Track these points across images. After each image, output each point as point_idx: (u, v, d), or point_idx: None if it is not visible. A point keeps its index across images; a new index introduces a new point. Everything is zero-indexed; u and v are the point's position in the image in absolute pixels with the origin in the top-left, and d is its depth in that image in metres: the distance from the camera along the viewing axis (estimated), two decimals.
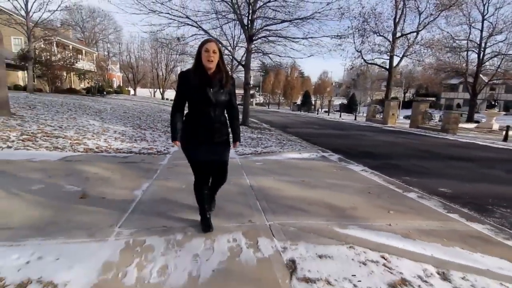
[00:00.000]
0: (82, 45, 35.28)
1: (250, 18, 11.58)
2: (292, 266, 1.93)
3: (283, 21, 11.64)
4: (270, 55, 13.72)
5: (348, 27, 20.48)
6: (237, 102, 2.56)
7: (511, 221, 3.39)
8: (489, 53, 23.66)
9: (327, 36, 11.87)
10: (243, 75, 13.38)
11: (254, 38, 11.98)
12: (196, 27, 11.60)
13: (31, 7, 16.87)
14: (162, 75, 47.56)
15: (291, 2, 11.10)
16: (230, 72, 2.45)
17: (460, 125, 18.96)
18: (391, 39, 21.26)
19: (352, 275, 1.86)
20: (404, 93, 55.40)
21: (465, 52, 24.51)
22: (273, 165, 5.24)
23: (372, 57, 22.96)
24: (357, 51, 21.92)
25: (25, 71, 20.62)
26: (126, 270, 1.79)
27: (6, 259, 1.83)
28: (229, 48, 15.40)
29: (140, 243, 2.12)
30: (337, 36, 12.47)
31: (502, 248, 2.52)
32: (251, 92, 40.68)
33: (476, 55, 24.04)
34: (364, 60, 22.84)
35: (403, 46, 21.70)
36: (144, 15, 10.75)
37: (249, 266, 1.92)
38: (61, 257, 1.87)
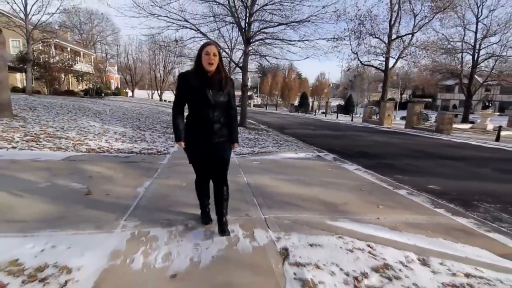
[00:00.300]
0: (80, 47, 35.36)
1: (247, 21, 11.78)
2: (285, 253, 2.11)
3: (279, 24, 11.85)
4: (267, 57, 13.94)
5: (345, 29, 20.72)
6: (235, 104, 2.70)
7: (494, 215, 3.59)
8: (483, 55, 23.97)
9: (323, 39, 12.11)
10: (241, 77, 13.59)
11: (251, 40, 12.19)
12: (195, 30, 11.79)
13: (30, 9, 16.97)
14: (160, 76, 47.70)
15: (287, 5, 11.33)
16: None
17: (456, 125, 19.25)
18: (386, 41, 21.55)
19: (339, 261, 2.04)
20: (401, 94, 55.90)
21: (460, 54, 24.84)
22: (270, 164, 5.42)
23: (368, 59, 23.27)
24: (353, 53, 22.21)
25: (23, 73, 20.70)
26: (133, 257, 1.96)
27: (22, 247, 1.99)
28: (227, 50, 15.60)
29: (144, 234, 2.29)
30: (333, 38, 12.75)
31: (483, 239, 2.71)
32: (249, 93, 40.84)
33: (471, 57, 24.39)
34: (360, 62, 23.12)
35: (398, 48, 22.00)
36: (144, 18, 10.90)
37: (246, 254, 2.10)
38: (72, 246, 2.04)
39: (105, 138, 6.67)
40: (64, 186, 3.37)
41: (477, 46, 23.56)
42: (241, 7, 11.73)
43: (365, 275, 1.90)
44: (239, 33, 12.81)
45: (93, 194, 3.15)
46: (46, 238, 2.13)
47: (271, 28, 12.27)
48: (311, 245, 2.25)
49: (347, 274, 1.90)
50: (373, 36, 21.73)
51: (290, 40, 12.26)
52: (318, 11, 11.10)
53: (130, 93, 47.40)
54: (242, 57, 13.13)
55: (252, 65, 17.22)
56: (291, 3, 11.21)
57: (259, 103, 62.54)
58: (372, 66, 24.66)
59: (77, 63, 26.57)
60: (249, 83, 18.88)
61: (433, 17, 20.77)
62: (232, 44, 15.53)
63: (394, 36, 21.48)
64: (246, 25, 11.86)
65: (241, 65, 12.97)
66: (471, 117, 26.77)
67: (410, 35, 21.50)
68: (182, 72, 2.30)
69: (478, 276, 2.00)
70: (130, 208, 2.80)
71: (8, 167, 3.90)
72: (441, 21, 22.12)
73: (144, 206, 2.90)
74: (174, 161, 5.06)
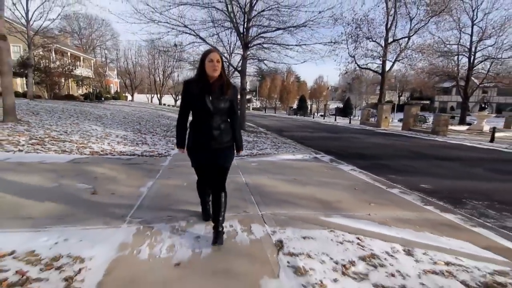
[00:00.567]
0: (80, 52, 35.61)
1: (245, 26, 12.02)
2: (279, 245, 2.28)
3: (277, 29, 12.09)
4: (265, 61, 14.18)
5: (342, 33, 21.09)
6: None
7: (481, 211, 3.77)
8: (479, 57, 24.34)
9: (319, 43, 12.34)
10: (240, 81, 13.81)
11: (249, 45, 12.42)
12: (194, 35, 12.02)
13: (32, 16, 17.24)
14: (159, 80, 48.05)
15: (284, 11, 11.57)
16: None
17: (452, 127, 19.50)
18: (383, 45, 21.85)
19: (329, 251, 2.21)
20: (399, 96, 56.25)
21: (456, 56, 25.20)
22: (268, 165, 5.60)
23: (365, 62, 23.61)
24: (351, 56, 22.54)
25: (24, 78, 20.89)
26: (139, 248, 2.13)
27: (37, 241, 2.15)
28: (226, 54, 15.82)
29: (149, 228, 2.46)
30: (330, 42, 12.96)
31: (468, 233, 2.88)
32: (248, 97, 41.14)
33: (467, 59, 24.72)
34: (358, 65, 23.42)
35: (395, 51, 22.35)
36: (144, 24, 11.12)
37: (243, 245, 2.27)
38: (83, 239, 2.21)
39: (108, 141, 6.85)
40: (71, 186, 3.54)
41: (473, 49, 23.93)
42: (239, 12, 11.97)
43: (352, 263, 2.08)
44: (238, 38, 13.04)
45: (99, 194, 3.32)
46: (58, 233, 2.29)
47: (269, 33, 12.52)
48: (304, 237, 2.42)
49: (336, 263, 2.07)
50: (370, 39, 22.08)
51: (288, 45, 12.50)
52: (314, 16, 11.34)
53: (129, 97, 47.64)
54: (241, 61, 13.36)
55: (250, 69, 17.48)
56: (288, 8, 11.46)
57: (258, 106, 62.85)
58: (370, 69, 24.98)
59: (77, 67, 26.76)
60: (248, 87, 19.12)
61: (428, 21, 21.13)
62: (231, 49, 15.74)
63: (390, 40, 21.82)
64: (245, 30, 12.09)
65: (239, 69, 13.19)
66: (468, 118, 27.06)
67: (407, 38, 21.87)
68: (187, 79, 2.34)
69: (457, 264, 2.17)
70: (134, 206, 2.97)
71: (16, 169, 4.07)
72: (437, 25, 22.52)
73: (148, 204, 3.07)
74: (175, 163, 5.23)
